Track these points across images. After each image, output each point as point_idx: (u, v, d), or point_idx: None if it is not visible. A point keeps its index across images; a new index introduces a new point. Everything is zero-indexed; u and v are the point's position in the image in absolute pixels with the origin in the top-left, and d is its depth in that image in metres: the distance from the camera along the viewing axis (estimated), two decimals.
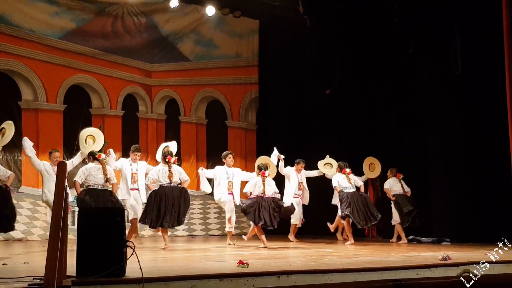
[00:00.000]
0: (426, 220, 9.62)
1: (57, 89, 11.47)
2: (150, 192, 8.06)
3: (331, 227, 10.18)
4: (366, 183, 10.72)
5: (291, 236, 10.06)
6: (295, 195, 10.01)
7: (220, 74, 13.45)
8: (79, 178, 7.62)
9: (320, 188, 10.66)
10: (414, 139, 10.24)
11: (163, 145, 9.16)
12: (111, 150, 8.83)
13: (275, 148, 9.80)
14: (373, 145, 10.71)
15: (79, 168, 7.99)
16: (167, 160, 8.07)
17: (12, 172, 8.27)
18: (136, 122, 12.38)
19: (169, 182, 7.93)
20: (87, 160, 8.23)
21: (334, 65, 11.37)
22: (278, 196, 8.72)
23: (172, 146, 8.96)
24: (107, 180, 7.63)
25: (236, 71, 13.61)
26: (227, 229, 9.25)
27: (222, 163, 9.42)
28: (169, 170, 7.97)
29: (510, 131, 7.36)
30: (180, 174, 8.11)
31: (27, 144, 8.38)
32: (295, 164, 10.15)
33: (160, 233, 8.52)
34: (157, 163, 9.21)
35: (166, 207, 7.78)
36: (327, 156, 10.35)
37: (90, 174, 7.60)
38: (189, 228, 12.11)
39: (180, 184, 8.09)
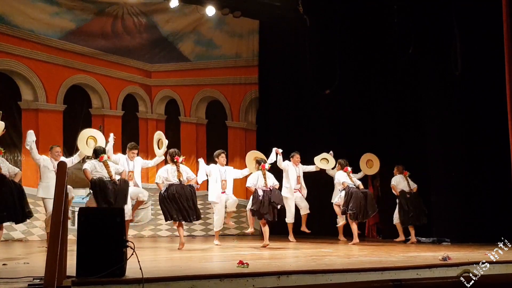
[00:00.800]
0: (426, 220, 9.61)
1: (57, 89, 11.47)
2: (160, 192, 8.14)
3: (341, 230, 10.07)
4: (365, 182, 10.72)
5: (291, 237, 10.04)
6: (294, 189, 10.04)
7: (220, 74, 13.45)
8: (88, 167, 7.84)
9: (319, 187, 10.66)
10: (414, 139, 10.23)
11: (155, 138, 9.27)
12: (112, 135, 8.88)
13: (274, 149, 9.82)
14: (373, 145, 10.70)
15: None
16: (175, 160, 8.19)
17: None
18: (136, 122, 12.38)
19: (178, 181, 8.07)
20: (91, 157, 8.26)
21: (334, 65, 11.36)
22: (277, 185, 8.99)
23: (162, 136, 9.13)
24: (112, 180, 7.77)
25: (236, 71, 13.60)
26: (215, 229, 9.39)
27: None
28: (178, 170, 8.13)
29: (510, 131, 7.36)
30: (187, 174, 8.28)
31: (30, 138, 8.33)
32: (291, 158, 10.18)
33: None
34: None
35: (182, 202, 7.93)
36: (331, 152, 10.32)
37: (95, 169, 7.81)
38: (189, 228, 12.10)
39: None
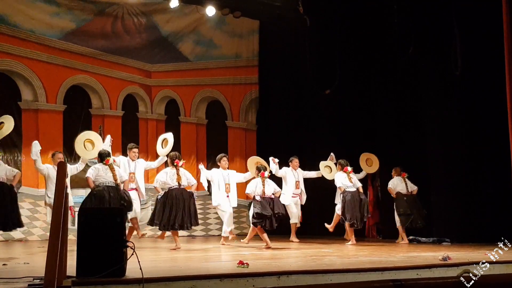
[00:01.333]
0: (423, 224, 9.57)
1: (57, 89, 11.48)
2: (158, 194, 8.10)
3: (330, 227, 9.76)
4: (365, 183, 10.71)
5: (293, 237, 10.03)
6: (293, 194, 10.01)
7: (220, 74, 13.45)
8: (90, 174, 7.70)
9: (318, 188, 10.65)
10: (414, 139, 10.23)
11: (160, 137, 9.22)
12: (109, 136, 8.86)
13: (271, 159, 9.77)
14: (373, 145, 10.70)
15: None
16: (175, 163, 8.15)
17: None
18: (136, 122, 12.39)
19: (178, 185, 8.02)
20: (95, 160, 8.21)
21: (334, 65, 11.36)
22: (280, 192, 8.90)
23: (169, 137, 9.02)
24: (116, 184, 7.69)
25: (236, 71, 13.61)
26: (223, 234, 9.32)
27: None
28: (177, 173, 8.07)
29: (510, 131, 7.35)
30: (187, 178, 8.22)
31: (35, 148, 8.33)
32: (290, 162, 10.16)
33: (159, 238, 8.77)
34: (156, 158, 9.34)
35: (177, 209, 7.86)
36: (332, 154, 10.26)
37: (98, 174, 7.69)
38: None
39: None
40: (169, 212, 7.83)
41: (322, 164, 10.17)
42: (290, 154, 10.28)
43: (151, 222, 8.05)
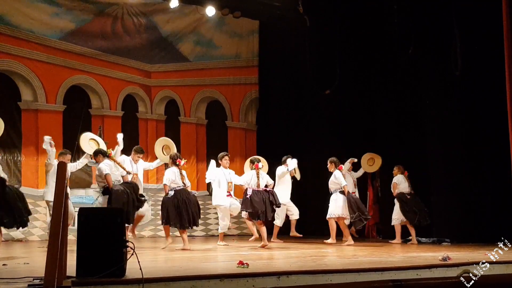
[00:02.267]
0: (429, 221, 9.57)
1: (56, 89, 11.48)
2: (166, 195, 8.13)
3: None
4: (365, 183, 10.70)
5: (294, 232, 10.05)
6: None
7: (220, 74, 13.45)
8: (109, 171, 7.71)
9: (317, 187, 10.65)
10: (414, 139, 10.23)
11: (160, 142, 9.37)
12: (121, 136, 8.93)
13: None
14: (373, 145, 10.70)
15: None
16: (177, 163, 8.21)
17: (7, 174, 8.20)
18: (136, 122, 12.38)
19: (183, 184, 8.11)
20: (95, 159, 8.18)
21: (334, 65, 11.36)
22: (272, 184, 8.97)
23: (171, 145, 9.14)
24: (126, 173, 7.85)
25: (236, 71, 13.61)
26: (219, 231, 9.36)
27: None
28: (181, 173, 8.17)
29: (510, 131, 7.36)
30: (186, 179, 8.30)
31: (48, 141, 8.36)
32: (286, 161, 10.13)
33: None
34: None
35: (187, 208, 7.97)
36: (353, 159, 10.23)
37: (112, 171, 7.76)
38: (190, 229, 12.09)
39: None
40: (181, 212, 7.94)
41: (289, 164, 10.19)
42: (290, 154, 10.26)
43: (167, 223, 8.11)
